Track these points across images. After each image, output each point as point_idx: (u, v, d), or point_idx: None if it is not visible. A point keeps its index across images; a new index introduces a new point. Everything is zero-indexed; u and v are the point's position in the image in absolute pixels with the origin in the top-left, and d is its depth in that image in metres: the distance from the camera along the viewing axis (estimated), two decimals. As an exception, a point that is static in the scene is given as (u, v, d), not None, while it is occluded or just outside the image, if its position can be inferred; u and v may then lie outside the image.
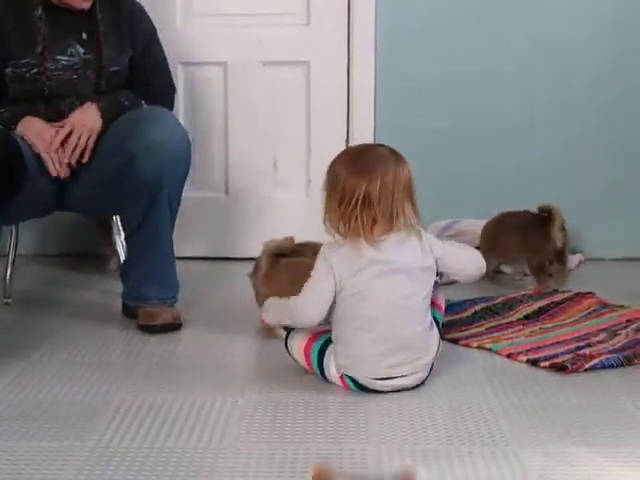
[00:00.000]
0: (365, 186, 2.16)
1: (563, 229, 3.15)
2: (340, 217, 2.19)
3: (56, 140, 2.76)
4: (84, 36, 2.87)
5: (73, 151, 2.78)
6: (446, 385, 2.32)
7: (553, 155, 3.66)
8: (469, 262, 2.37)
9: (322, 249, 2.26)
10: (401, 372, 2.23)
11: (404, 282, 2.22)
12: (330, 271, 2.22)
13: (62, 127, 2.79)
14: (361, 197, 2.15)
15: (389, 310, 2.20)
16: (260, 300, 2.64)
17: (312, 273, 2.26)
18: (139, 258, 2.85)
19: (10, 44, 2.81)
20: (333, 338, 2.27)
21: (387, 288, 2.20)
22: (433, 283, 2.29)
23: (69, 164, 2.79)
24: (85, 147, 2.79)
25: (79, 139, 2.77)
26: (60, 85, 2.84)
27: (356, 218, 2.17)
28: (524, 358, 2.50)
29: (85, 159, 2.80)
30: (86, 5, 2.83)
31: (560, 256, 3.18)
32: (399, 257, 2.21)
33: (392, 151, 2.24)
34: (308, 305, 2.27)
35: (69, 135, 2.78)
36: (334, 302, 2.24)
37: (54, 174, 2.78)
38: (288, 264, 2.70)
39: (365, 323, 2.20)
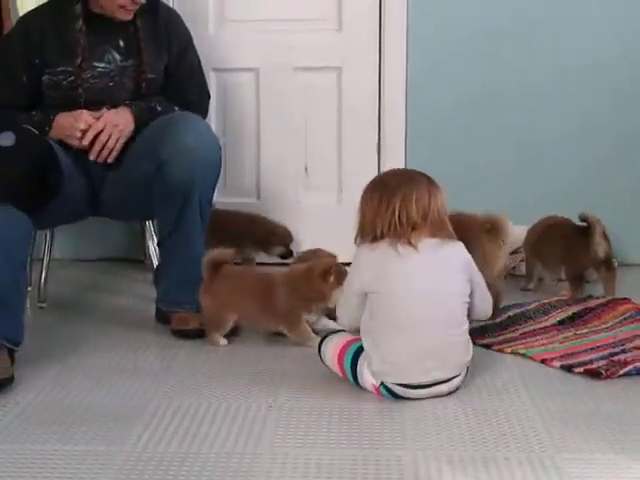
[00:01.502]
0: (401, 197, 2.21)
1: (605, 238, 3.12)
2: (377, 224, 2.22)
3: (88, 135, 2.78)
4: (121, 43, 2.90)
5: (101, 150, 2.80)
6: (481, 391, 2.31)
7: (587, 166, 3.65)
8: (486, 305, 2.38)
9: (356, 251, 2.28)
10: (437, 377, 2.23)
11: (441, 286, 2.22)
12: (359, 272, 2.26)
13: (97, 119, 2.80)
14: (397, 206, 2.20)
15: (425, 313, 2.20)
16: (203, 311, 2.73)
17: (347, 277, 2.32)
18: (171, 263, 2.87)
19: (49, 53, 2.84)
20: (366, 345, 2.26)
21: (423, 290, 2.20)
22: (469, 289, 2.28)
23: (96, 164, 2.82)
24: (112, 148, 2.81)
25: (109, 138, 2.79)
26: (96, 92, 2.86)
27: (395, 225, 2.19)
28: (558, 364, 2.49)
29: (110, 160, 2.82)
30: (129, 17, 2.85)
31: (607, 265, 3.15)
32: (436, 262, 2.22)
33: (427, 176, 2.29)
34: (342, 316, 2.38)
35: (100, 132, 2.80)
36: (370, 305, 2.24)
37: (92, 157, 2.81)
38: (227, 273, 2.73)
39: (400, 326, 2.20)
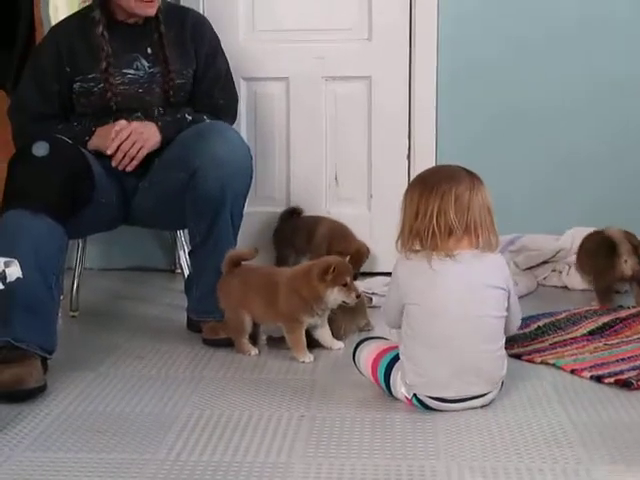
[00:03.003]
0: (439, 198, 2.17)
1: (635, 253, 3.09)
2: (415, 231, 2.19)
3: (113, 144, 2.80)
4: (149, 50, 2.92)
5: (123, 157, 2.82)
6: (514, 401, 2.30)
7: (623, 179, 3.64)
8: (518, 319, 2.37)
9: (396, 261, 2.28)
10: (471, 392, 2.21)
11: (478, 300, 2.19)
12: (396, 283, 2.26)
13: (122, 128, 2.82)
14: (435, 209, 2.16)
15: (461, 328, 2.18)
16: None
17: None
18: (202, 273, 2.88)
19: (78, 61, 2.87)
20: (401, 355, 2.25)
21: (460, 305, 2.18)
22: (507, 304, 2.25)
23: (116, 168, 2.83)
24: (134, 157, 2.82)
25: (132, 146, 2.81)
26: (126, 99, 2.88)
27: (433, 231, 2.17)
28: (588, 374, 2.47)
29: (129, 169, 2.84)
30: (152, 12, 2.86)
31: (637, 279, 3.13)
32: (473, 275, 2.20)
33: (468, 172, 2.25)
34: (386, 314, 2.37)
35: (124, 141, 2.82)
36: (406, 317, 2.24)
37: (114, 164, 2.83)
38: (241, 271, 2.75)
39: (437, 341, 2.19)
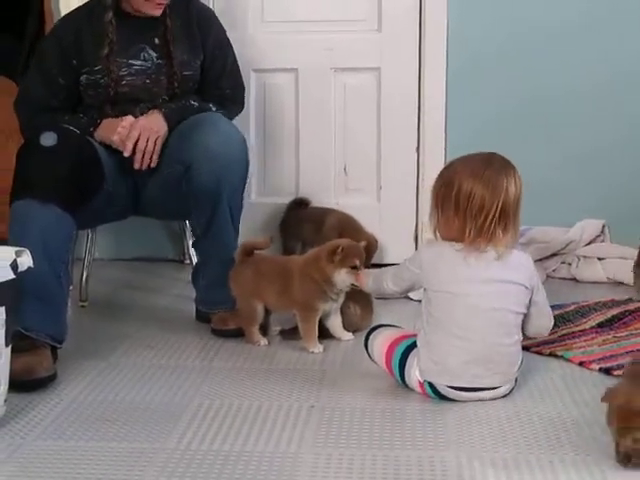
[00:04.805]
0: (498, 198, 2.18)
1: None
2: (479, 227, 2.18)
3: (128, 146, 2.79)
4: (156, 41, 2.91)
5: (142, 156, 2.81)
6: (523, 393, 2.30)
7: (632, 173, 3.62)
8: (545, 321, 2.37)
9: (422, 245, 2.30)
10: (483, 384, 2.21)
11: (497, 292, 2.21)
12: (418, 264, 2.27)
13: (130, 126, 2.80)
14: (494, 209, 2.17)
15: (481, 319, 2.19)
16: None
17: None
18: (206, 264, 2.89)
19: (84, 52, 2.86)
20: (419, 342, 2.26)
21: (479, 296, 2.19)
22: (528, 302, 2.27)
23: (140, 170, 2.83)
24: (152, 151, 2.82)
25: (147, 142, 2.80)
26: (132, 90, 2.88)
27: (480, 227, 2.17)
28: (596, 367, 2.47)
29: (153, 164, 2.83)
30: (158, 12, 2.86)
31: None
32: (497, 268, 2.21)
33: (508, 162, 2.26)
34: (380, 278, 2.43)
35: (137, 141, 2.81)
36: (428, 303, 2.25)
37: (137, 166, 2.82)
38: (254, 260, 2.76)
39: (456, 330, 2.19)
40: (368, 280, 2.50)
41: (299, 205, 3.68)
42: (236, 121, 3.09)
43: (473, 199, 2.17)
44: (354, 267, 2.59)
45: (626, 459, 1.82)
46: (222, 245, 2.81)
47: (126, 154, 2.79)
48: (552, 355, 2.59)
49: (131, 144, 2.79)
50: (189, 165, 2.73)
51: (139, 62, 2.89)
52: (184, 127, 2.83)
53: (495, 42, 3.58)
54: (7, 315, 2.07)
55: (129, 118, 2.81)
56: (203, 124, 2.79)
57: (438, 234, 2.27)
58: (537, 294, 2.29)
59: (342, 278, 2.60)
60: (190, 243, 3.33)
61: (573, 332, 2.78)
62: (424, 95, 3.62)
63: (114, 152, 2.83)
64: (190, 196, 2.77)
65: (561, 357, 2.57)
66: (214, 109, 2.94)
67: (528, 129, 3.62)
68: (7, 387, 2.12)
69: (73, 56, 2.86)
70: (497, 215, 2.17)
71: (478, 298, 2.19)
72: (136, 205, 3.00)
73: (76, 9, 3.00)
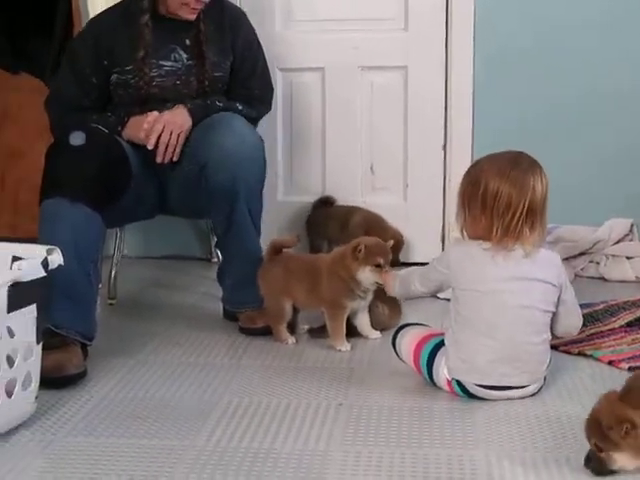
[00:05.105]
0: (525, 197, 2.17)
1: None
2: (505, 226, 2.18)
3: (151, 139, 2.80)
4: (187, 42, 2.92)
5: (166, 150, 2.82)
6: (552, 392, 2.29)
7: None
8: (574, 320, 2.36)
9: (449, 245, 2.29)
10: (511, 382, 2.21)
11: (525, 290, 2.20)
12: (446, 264, 2.26)
13: (154, 120, 2.82)
14: (521, 207, 2.17)
15: (508, 317, 2.19)
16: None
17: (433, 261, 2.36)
18: (230, 264, 2.90)
19: (117, 53, 2.87)
20: (447, 341, 2.26)
21: (507, 294, 2.19)
22: (556, 301, 2.26)
23: (162, 164, 2.84)
24: (175, 145, 2.83)
25: (170, 136, 2.81)
26: (162, 91, 2.89)
27: (507, 225, 2.17)
28: (626, 365, 2.46)
29: (175, 157, 2.84)
30: (193, 17, 2.87)
31: None
32: (525, 265, 2.20)
33: (535, 160, 2.26)
34: (407, 281, 2.42)
35: (161, 133, 2.82)
36: (455, 302, 2.25)
37: (159, 160, 2.83)
38: (282, 258, 2.77)
39: (485, 328, 2.19)
40: (394, 284, 2.49)
41: (325, 203, 3.68)
42: (263, 120, 3.11)
43: (500, 198, 2.17)
44: (378, 265, 2.59)
45: (587, 460, 1.85)
46: (243, 244, 2.82)
47: (149, 147, 2.80)
48: (581, 354, 2.58)
49: (154, 137, 2.80)
50: (204, 164, 2.74)
51: (169, 63, 2.90)
52: (202, 127, 2.84)
53: (522, 40, 3.56)
54: (38, 312, 2.09)
55: (154, 113, 2.82)
56: (219, 124, 2.80)
57: (465, 233, 2.27)
58: (565, 293, 2.28)
59: (366, 276, 2.61)
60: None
61: (602, 331, 2.77)
62: (451, 93, 3.62)
63: (142, 151, 2.84)
64: (207, 196, 2.78)
65: (590, 356, 2.56)
66: (240, 108, 2.95)
67: (556, 128, 3.60)
68: (38, 384, 2.14)
69: (105, 56, 2.87)
70: (524, 214, 2.17)
71: (506, 295, 2.19)
72: (163, 204, 3.02)
73: (110, 9, 3.01)
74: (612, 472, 1.83)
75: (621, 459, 1.80)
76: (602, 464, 1.82)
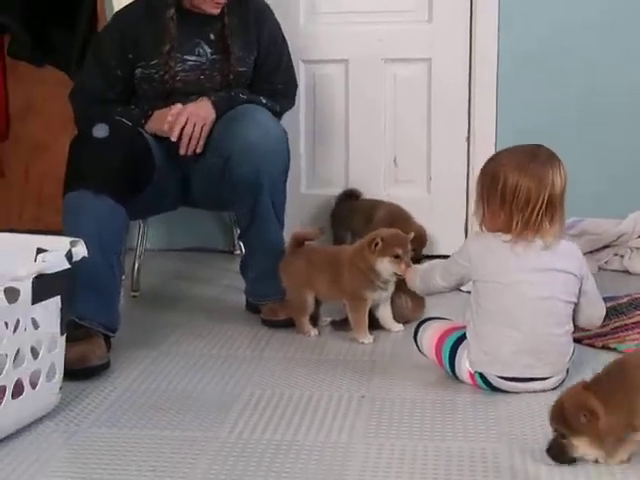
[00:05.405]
0: (544, 190, 2.16)
1: None
2: (525, 220, 2.17)
3: (175, 132, 2.80)
4: (212, 37, 2.92)
5: (189, 142, 2.82)
6: (576, 386, 2.28)
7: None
8: (597, 311, 2.35)
9: (469, 238, 2.29)
10: (534, 374, 2.20)
11: (546, 281, 2.19)
12: (467, 257, 2.25)
13: (178, 113, 2.81)
14: (541, 201, 2.15)
15: (529, 308, 2.18)
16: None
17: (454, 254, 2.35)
18: (253, 256, 2.91)
19: (142, 47, 2.87)
20: (469, 334, 2.25)
21: (528, 285, 2.18)
22: (577, 292, 2.25)
23: (185, 156, 2.84)
24: (199, 137, 2.83)
25: (194, 128, 2.81)
26: (186, 85, 2.89)
27: (527, 219, 2.16)
28: (651, 359, 2.45)
29: (199, 149, 2.84)
30: (217, 11, 2.87)
31: None
32: (545, 256, 2.19)
33: (554, 153, 2.24)
34: (428, 277, 2.41)
35: (184, 125, 2.82)
36: (476, 295, 2.24)
37: (182, 152, 2.83)
38: (304, 251, 2.78)
39: (507, 320, 2.18)
40: (415, 278, 2.48)
41: (349, 197, 3.68)
42: (287, 113, 3.10)
43: (519, 193, 2.16)
44: (397, 256, 2.59)
45: (549, 447, 1.86)
46: (267, 237, 2.82)
47: (173, 139, 2.80)
48: (605, 348, 2.57)
49: (178, 129, 2.80)
50: (228, 157, 2.74)
51: (193, 57, 2.90)
52: (225, 119, 2.84)
53: (547, 32, 3.53)
54: (62, 304, 2.10)
55: (178, 105, 2.82)
56: (242, 117, 2.80)
57: (484, 227, 2.26)
58: (586, 283, 2.27)
59: (385, 267, 2.61)
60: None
61: (626, 324, 2.75)
62: (475, 85, 3.60)
63: (165, 143, 2.85)
64: (230, 188, 2.78)
65: (614, 349, 2.54)
66: (264, 101, 2.94)
67: (579, 120, 3.57)
68: (62, 375, 2.15)
69: (130, 50, 2.87)
70: (544, 207, 2.16)
71: (527, 286, 2.18)
72: (186, 196, 3.02)
73: (135, 2, 3.01)
74: (573, 460, 1.83)
75: (581, 446, 1.81)
76: (563, 450, 1.82)
